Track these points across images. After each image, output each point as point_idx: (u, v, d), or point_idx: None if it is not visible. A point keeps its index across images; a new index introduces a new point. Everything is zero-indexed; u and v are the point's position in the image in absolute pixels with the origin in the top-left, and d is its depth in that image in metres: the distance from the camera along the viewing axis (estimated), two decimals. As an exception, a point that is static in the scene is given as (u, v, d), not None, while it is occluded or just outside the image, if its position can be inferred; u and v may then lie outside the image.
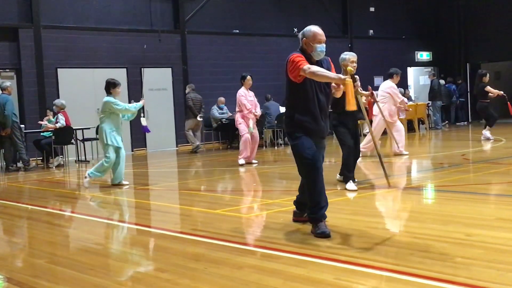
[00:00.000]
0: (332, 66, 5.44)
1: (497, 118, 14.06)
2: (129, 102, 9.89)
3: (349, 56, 7.65)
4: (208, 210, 6.88)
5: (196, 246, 5.11)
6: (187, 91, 15.62)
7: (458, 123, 21.57)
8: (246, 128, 11.38)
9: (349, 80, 4.89)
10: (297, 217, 5.76)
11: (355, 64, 7.47)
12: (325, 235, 5.02)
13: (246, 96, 11.42)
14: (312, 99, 5.20)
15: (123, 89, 15.43)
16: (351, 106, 4.92)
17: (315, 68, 5.01)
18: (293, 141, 5.29)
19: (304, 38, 5.22)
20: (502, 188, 7.54)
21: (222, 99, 16.28)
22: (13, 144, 12.49)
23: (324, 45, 5.23)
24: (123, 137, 9.67)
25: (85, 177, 9.32)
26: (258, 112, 11.82)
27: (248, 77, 11.39)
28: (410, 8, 22.43)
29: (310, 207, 5.24)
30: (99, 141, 9.88)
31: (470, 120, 22.32)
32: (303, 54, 5.18)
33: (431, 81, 20.15)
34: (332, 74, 5.05)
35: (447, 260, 4.18)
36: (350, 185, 7.63)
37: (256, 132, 11.64)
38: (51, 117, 13.45)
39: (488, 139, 13.91)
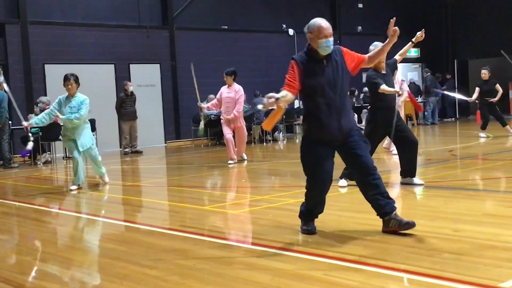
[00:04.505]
0: (346, 52, 5.02)
1: (488, 120, 13.70)
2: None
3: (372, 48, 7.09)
4: (197, 206, 6.87)
5: (184, 242, 5.09)
6: (131, 89, 14.72)
7: (445, 119, 21.70)
8: (227, 129, 11.11)
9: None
10: None
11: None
12: (310, 232, 5.01)
13: (221, 94, 11.13)
14: (316, 97, 4.78)
15: (110, 85, 15.64)
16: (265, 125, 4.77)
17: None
18: (300, 146, 4.99)
19: (309, 33, 4.90)
20: (489, 184, 7.59)
21: (212, 96, 16.17)
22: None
23: (331, 39, 4.87)
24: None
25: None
26: (234, 112, 10.98)
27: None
28: (398, 4, 22.47)
29: (304, 207, 5.12)
30: None
31: (457, 116, 22.46)
32: (310, 52, 4.90)
33: (425, 77, 20.39)
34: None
35: (435, 256, 4.20)
36: (342, 182, 7.53)
37: (244, 128, 11.44)
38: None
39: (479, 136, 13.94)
